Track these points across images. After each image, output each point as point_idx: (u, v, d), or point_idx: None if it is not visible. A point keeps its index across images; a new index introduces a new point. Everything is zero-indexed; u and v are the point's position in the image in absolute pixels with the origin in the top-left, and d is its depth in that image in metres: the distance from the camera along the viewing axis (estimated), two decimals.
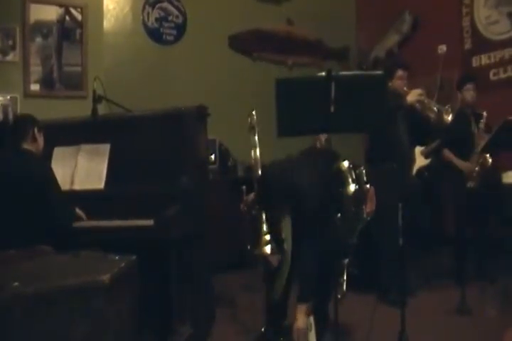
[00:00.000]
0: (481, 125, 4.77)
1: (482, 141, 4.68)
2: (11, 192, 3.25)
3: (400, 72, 4.43)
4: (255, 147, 3.42)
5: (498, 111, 4.77)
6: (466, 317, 3.83)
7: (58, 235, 3.19)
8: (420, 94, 4.25)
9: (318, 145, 5.42)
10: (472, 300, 3.96)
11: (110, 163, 3.69)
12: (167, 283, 3.22)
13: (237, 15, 6.55)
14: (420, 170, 5.47)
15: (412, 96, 4.23)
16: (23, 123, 3.51)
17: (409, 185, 4.50)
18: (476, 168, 4.72)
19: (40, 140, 3.50)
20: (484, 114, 4.80)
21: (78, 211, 3.42)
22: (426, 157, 5.36)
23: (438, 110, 4.23)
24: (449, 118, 4.22)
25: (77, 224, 3.36)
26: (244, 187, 3.32)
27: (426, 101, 4.29)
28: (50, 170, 3.42)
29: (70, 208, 3.40)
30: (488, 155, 4.68)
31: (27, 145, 3.42)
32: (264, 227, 3.11)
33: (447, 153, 4.94)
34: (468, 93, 4.90)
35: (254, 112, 3.49)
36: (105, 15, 5.77)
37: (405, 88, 4.34)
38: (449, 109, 4.25)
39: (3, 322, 1.98)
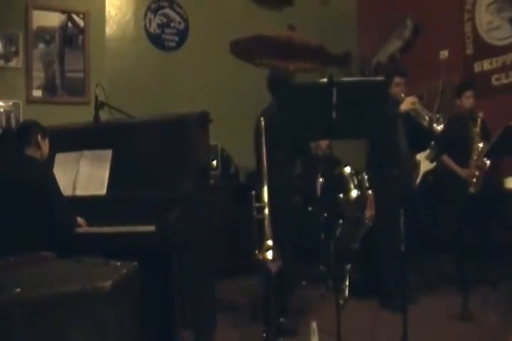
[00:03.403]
0: (477, 129, 4.77)
1: (478, 145, 4.70)
2: (13, 199, 3.25)
3: (397, 79, 4.42)
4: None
5: (500, 116, 4.77)
6: (468, 323, 3.82)
7: (60, 241, 3.19)
8: (413, 103, 4.25)
9: (319, 151, 5.43)
10: (474, 305, 3.95)
11: (112, 169, 3.69)
12: (169, 289, 3.22)
13: (238, 21, 6.57)
14: (426, 175, 5.48)
15: (406, 104, 4.24)
16: (27, 130, 3.50)
17: (410, 190, 4.50)
18: (476, 173, 4.72)
19: (45, 147, 3.49)
20: (480, 115, 4.79)
21: (79, 219, 3.42)
22: (431, 161, 5.37)
23: (429, 118, 4.24)
24: (439, 127, 4.22)
25: (79, 231, 3.36)
26: (253, 192, 3.33)
27: (419, 109, 4.30)
28: (53, 176, 3.41)
29: (71, 214, 3.40)
30: (485, 158, 4.68)
31: (30, 152, 3.41)
32: (268, 232, 3.12)
33: (446, 160, 4.94)
34: (468, 100, 4.89)
35: (262, 119, 3.52)
36: (107, 21, 5.80)
37: (403, 95, 4.34)
38: (441, 118, 4.26)
39: (4, 327, 1.97)
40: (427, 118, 4.25)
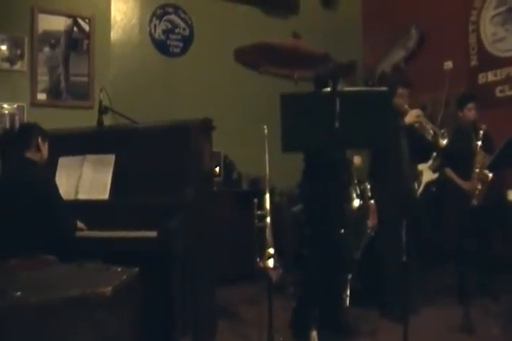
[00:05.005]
0: (479, 141, 4.74)
1: (480, 158, 4.68)
2: (12, 202, 3.24)
3: (400, 91, 4.39)
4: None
5: (503, 128, 4.77)
6: (469, 335, 3.79)
7: (60, 245, 3.18)
8: (418, 116, 4.25)
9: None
10: (475, 317, 3.93)
11: (115, 174, 3.69)
12: (169, 295, 3.21)
13: (243, 29, 6.57)
14: (428, 185, 5.46)
15: (410, 117, 4.24)
16: (28, 132, 3.49)
17: (412, 201, 4.49)
18: (479, 186, 4.68)
19: (45, 149, 3.48)
20: (483, 127, 4.76)
21: (79, 223, 3.41)
22: (434, 171, 5.36)
23: (434, 133, 4.24)
24: (444, 142, 4.22)
25: (80, 235, 3.35)
26: (255, 200, 3.32)
27: (424, 122, 4.29)
28: (52, 179, 3.41)
29: (72, 218, 3.39)
30: (487, 171, 4.66)
31: (30, 155, 3.40)
32: (269, 240, 3.11)
33: (449, 173, 4.91)
34: (470, 112, 4.86)
35: (265, 126, 3.53)
36: (112, 26, 5.81)
37: (406, 106, 4.33)
38: (445, 133, 4.25)
39: (4, 331, 1.97)
40: (431, 132, 4.25)
